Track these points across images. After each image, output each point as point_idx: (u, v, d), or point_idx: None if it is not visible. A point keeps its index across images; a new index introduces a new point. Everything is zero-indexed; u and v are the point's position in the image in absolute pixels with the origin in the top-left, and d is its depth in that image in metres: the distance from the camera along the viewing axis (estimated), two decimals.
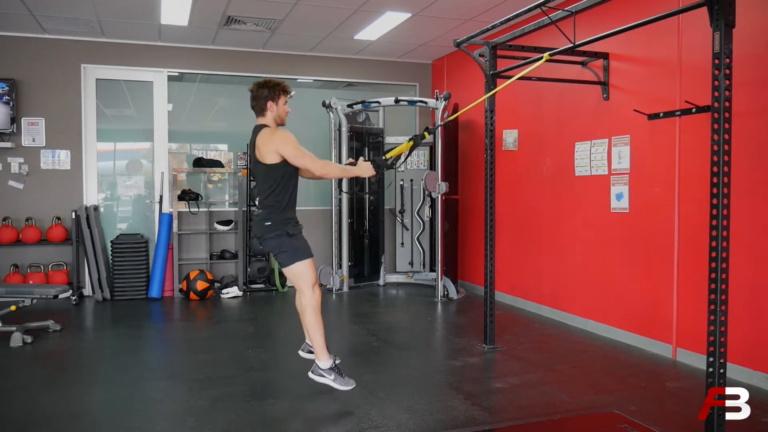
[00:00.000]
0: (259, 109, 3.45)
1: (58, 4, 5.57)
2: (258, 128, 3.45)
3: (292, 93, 3.59)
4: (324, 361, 3.41)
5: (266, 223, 3.41)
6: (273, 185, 3.39)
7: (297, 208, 3.56)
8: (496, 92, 4.22)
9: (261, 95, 3.42)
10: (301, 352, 3.76)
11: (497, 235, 4.90)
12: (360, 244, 7.28)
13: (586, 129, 5.12)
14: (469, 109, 6.82)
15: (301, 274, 3.42)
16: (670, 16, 3.21)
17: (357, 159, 3.74)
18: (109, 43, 6.79)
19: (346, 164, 3.71)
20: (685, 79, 4.20)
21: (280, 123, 3.52)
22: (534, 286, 5.92)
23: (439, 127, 6.45)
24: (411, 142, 3.74)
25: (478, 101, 4.12)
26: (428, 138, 4.42)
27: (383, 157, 3.71)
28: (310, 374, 3.45)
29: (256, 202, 3.46)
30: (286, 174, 3.41)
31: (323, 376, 3.39)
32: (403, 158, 3.82)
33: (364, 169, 3.53)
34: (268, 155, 3.35)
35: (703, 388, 2.90)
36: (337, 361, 3.52)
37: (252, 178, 3.42)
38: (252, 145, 3.45)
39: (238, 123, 7.52)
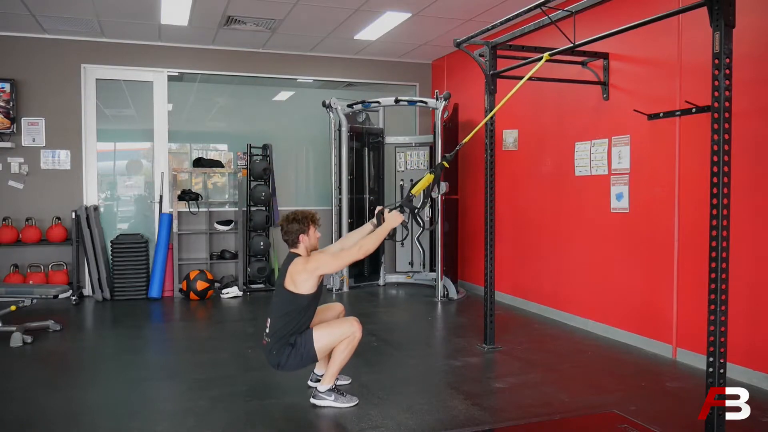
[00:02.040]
0: (291, 242, 3.42)
1: (58, 4, 5.57)
2: (291, 256, 3.41)
3: (321, 221, 3.54)
4: (326, 384, 3.40)
5: (273, 352, 3.35)
6: (289, 315, 3.32)
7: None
8: (501, 105, 4.20)
9: (292, 230, 3.39)
10: (309, 382, 3.68)
11: (497, 235, 4.90)
12: None
13: (586, 129, 5.13)
14: (470, 109, 6.85)
15: (331, 340, 3.34)
16: (670, 16, 3.21)
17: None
18: (109, 43, 6.79)
19: (372, 222, 3.60)
20: (685, 79, 4.20)
21: (313, 249, 3.48)
22: (534, 286, 5.92)
23: (442, 128, 6.45)
24: (431, 175, 3.66)
25: (485, 121, 4.11)
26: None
27: (409, 196, 3.64)
28: (312, 400, 3.40)
29: (267, 330, 3.39)
30: (309, 306, 3.37)
31: (324, 399, 3.37)
32: (428, 195, 3.74)
33: (393, 220, 3.47)
34: (302, 284, 3.29)
35: (703, 388, 2.90)
36: (339, 383, 3.51)
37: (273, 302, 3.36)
38: (283, 272, 3.39)
39: (238, 123, 7.53)
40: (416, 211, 3.68)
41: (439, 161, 3.79)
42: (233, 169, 7.31)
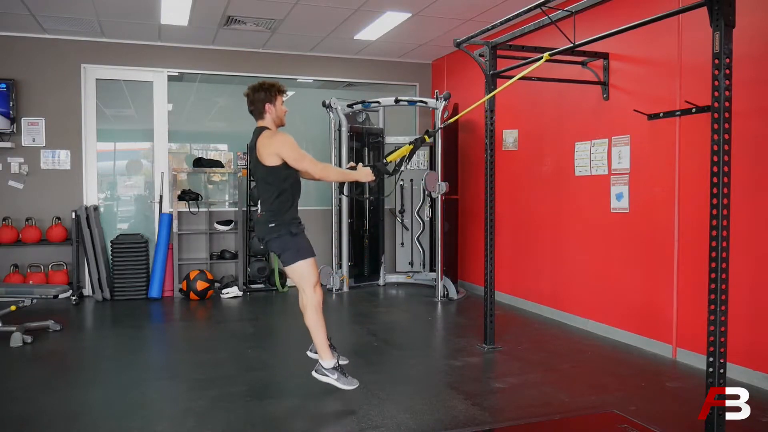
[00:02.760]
0: (257, 112, 3.46)
1: (58, 4, 5.57)
2: (258, 130, 3.45)
3: (288, 92, 3.59)
4: (327, 360, 3.41)
5: (270, 225, 3.41)
6: (275, 187, 3.39)
7: (298, 208, 3.56)
8: (496, 93, 4.21)
9: (258, 98, 3.43)
10: (308, 353, 3.77)
11: (497, 235, 4.90)
12: (360, 244, 7.28)
13: (586, 129, 5.12)
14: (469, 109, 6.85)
15: (303, 273, 3.43)
16: (670, 16, 3.21)
17: (357, 160, 3.74)
18: (109, 43, 6.79)
19: (346, 168, 3.70)
20: (685, 79, 4.20)
21: (280, 124, 3.53)
22: (534, 286, 5.92)
23: (440, 130, 6.45)
24: (411, 146, 3.73)
25: (478, 103, 4.12)
26: (428, 140, 4.41)
27: (383, 162, 3.70)
28: (313, 373, 3.45)
29: (258, 204, 3.45)
30: (289, 176, 3.42)
31: (326, 375, 3.40)
32: (404, 163, 3.79)
33: (364, 174, 3.54)
34: (269, 158, 3.35)
35: (703, 388, 2.90)
36: (341, 362, 3.52)
37: (252, 179, 3.42)
38: (252, 148, 3.46)
39: (238, 123, 7.52)
40: (387, 175, 3.73)
41: (420, 135, 3.83)
42: (233, 169, 7.31)
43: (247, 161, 7.04)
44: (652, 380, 3.84)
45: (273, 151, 3.34)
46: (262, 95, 3.41)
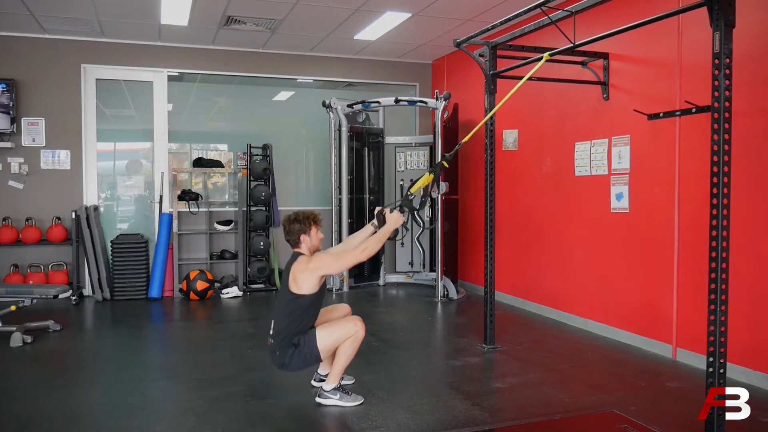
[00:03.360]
0: (293, 242, 3.45)
1: (58, 4, 5.57)
2: (294, 256, 3.44)
3: (323, 222, 3.56)
4: (331, 383, 3.41)
5: (276, 353, 3.36)
6: (293, 315, 3.34)
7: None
8: (502, 104, 4.20)
9: (293, 230, 3.42)
10: (313, 382, 3.69)
11: (497, 235, 4.90)
12: None
13: (586, 129, 5.13)
14: (469, 109, 6.85)
15: (333, 339, 3.34)
16: (670, 16, 3.21)
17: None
18: (109, 43, 6.79)
19: (375, 215, 3.62)
20: (685, 79, 4.20)
21: (315, 250, 3.50)
22: (534, 286, 5.92)
23: (442, 128, 6.45)
24: (431, 175, 3.68)
25: (487, 117, 4.12)
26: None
27: (407, 195, 3.67)
28: (317, 399, 3.41)
29: (271, 331, 3.41)
30: (312, 305, 3.38)
31: (329, 398, 3.38)
32: (429, 193, 3.75)
33: (394, 221, 3.48)
34: (304, 283, 3.31)
35: (703, 388, 2.90)
36: (345, 382, 3.52)
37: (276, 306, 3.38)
38: (286, 272, 3.41)
39: (238, 123, 7.53)
40: (416, 211, 3.69)
41: (439, 160, 3.80)
42: (233, 169, 7.31)
43: (248, 162, 7.05)
44: (652, 380, 3.84)
45: (312, 272, 3.30)
46: (297, 227, 3.41)
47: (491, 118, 4.48)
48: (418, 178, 3.79)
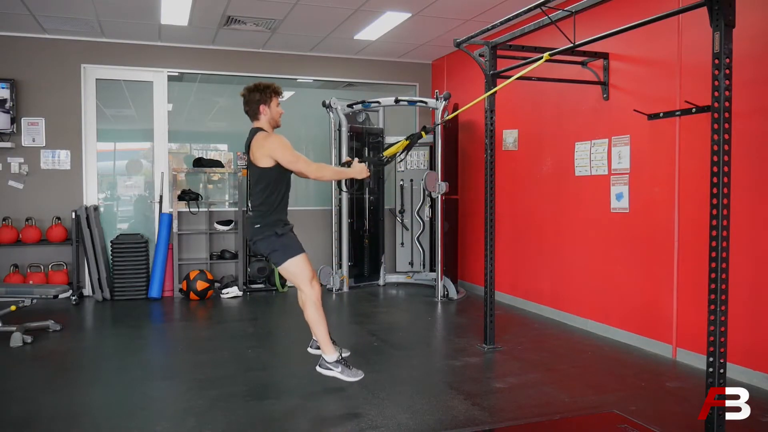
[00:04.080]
0: (252, 113, 3.47)
1: (58, 4, 5.57)
2: (253, 131, 3.47)
3: (284, 95, 3.59)
4: (330, 354, 3.43)
5: (256, 226, 3.43)
6: (264, 188, 3.41)
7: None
8: (495, 91, 4.22)
9: (253, 99, 3.44)
10: (309, 349, 3.78)
11: (497, 235, 4.90)
12: (360, 244, 7.28)
13: (586, 129, 5.12)
14: (469, 109, 6.85)
15: (296, 271, 3.44)
16: (670, 16, 3.21)
17: (358, 158, 3.75)
18: (109, 43, 6.79)
19: (342, 163, 3.72)
20: (685, 79, 4.20)
21: (275, 125, 3.54)
22: (534, 286, 5.92)
23: (438, 126, 6.45)
24: (407, 141, 3.76)
25: (478, 100, 4.12)
26: (426, 137, 4.43)
27: (379, 156, 3.73)
28: (317, 368, 3.46)
29: (248, 205, 3.49)
30: (279, 177, 3.43)
31: (330, 369, 3.41)
32: (399, 157, 3.83)
33: (358, 170, 3.55)
34: (262, 159, 3.37)
35: (703, 388, 2.90)
36: (344, 354, 3.53)
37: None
38: (247, 148, 3.47)
39: (238, 123, 7.48)
40: (380, 165, 3.82)
41: (419, 130, 3.86)
42: (233, 169, 7.31)
43: (246, 161, 7.05)
44: (652, 380, 3.84)
45: (266, 153, 3.36)
46: (257, 96, 3.42)
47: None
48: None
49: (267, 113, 3.45)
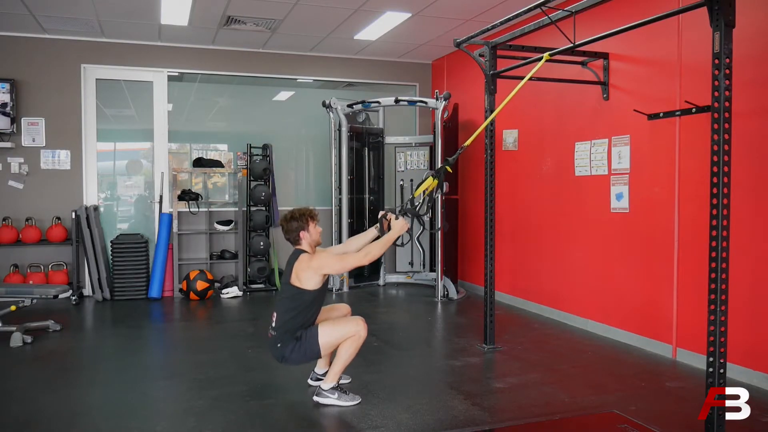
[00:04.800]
0: (293, 240, 3.48)
1: (58, 4, 5.57)
2: (297, 253, 3.46)
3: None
4: (329, 382, 3.42)
5: (278, 345, 3.39)
6: (296, 310, 3.38)
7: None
8: (502, 107, 4.20)
9: (291, 228, 3.45)
10: (310, 381, 3.71)
11: (497, 235, 4.90)
12: None
13: (586, 129, 5.12)
14: (469, 109, 6.85)
15: (336, 336, 3.37)
16: (670, 16, 3.21)
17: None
18: (109, 43, 6.79)
19: (379, 219, 3.64)
20: (685, 79, 4.20)
21: (316, 245, 3.53)
22: (534, 286, 5.92)
23: (442, 128, 6.45)
24: (435, 180, 3.70)
25: (492, 116, 4.12)
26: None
27: (410, 200, 3.69)
28: (314, 398, 3.42)
29: (273, 324, 3.45)
30: (315, 301, 3.42)
31: (327, 397, 3.39)
32: (432, 197, 3.79)
33: (399, 228, 3.49)
34: (308, 280, 3.36)
35: (703, 388, 2.90)
36: (343, 381, 3.53)
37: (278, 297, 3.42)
38: (289, 269, 3.44)
39: (238, 123, 7.53)
40: (421, 217, 3.74)
41: (441, 165, 3.83)
42: (233, 169, 7.31)
43: (247, 162, 7.05)
44: (652, 380, 3.84)
45: (315, 271, 3.35)
46: (294, 225, 3.44)
47: (491, 113, 4.47)
48: (421, 181, 3.81)
49: (307, 238, 3.46)
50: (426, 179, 3.76)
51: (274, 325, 3.43)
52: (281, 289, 3.54)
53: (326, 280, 3.47)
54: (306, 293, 3.36)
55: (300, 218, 3.45)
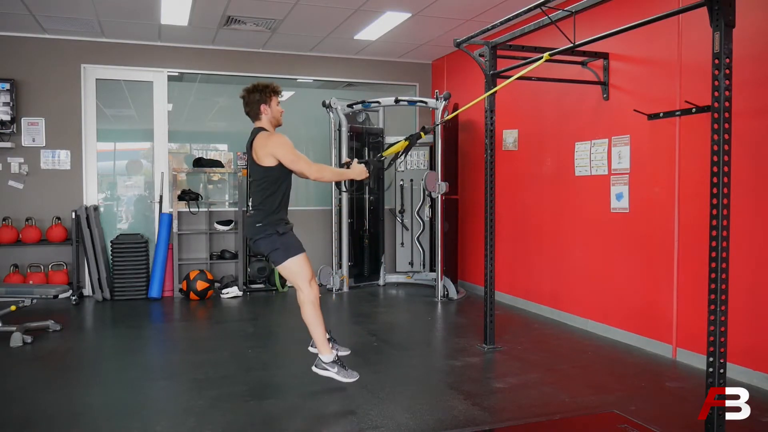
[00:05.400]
0: (253, 113, 3.50)
1: (58, 4, 5.57)
2: (255, 131, 3.50)
3: (283, 94, 3.62)
4: (326, 354, 3.44)
5: (257, 225, 3.44)
6: (266, 187, 3.43)
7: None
8: (495, 91, 4.22)
9: (253, 99, 3.47)
10: (309, 348, 3.79)
11: (497, 235, 4.90)
12: (360, 244, 7.28)
13: (586, 129, 5.12)
14: (469, 109, 6.85)
15: (295, 271, 3.46)
16: (670, 16, 3.21)
17: (358, 158, 3.77)
18: (109, 43, 6.79)
19: (342, 164, 3.74)
20: (685, 79, 4.20)
21: (276, 124, 3.57)
22: (534, 286, 5.92)
23: (438, 126, 6.45)
24: (406, 141, 3.78)
25: (477, 100, 4.12)
26: (425, 137, 4.44)
27: (379, 157, 3.75)
28: (313, 368, 3.48)
29: (248, 204, 3.51)
30: (280, 177, 3.45)
31: (326, 369, 3.42)
32: (398, 158, 3.86)
33: (357, 171, 3.58)
34: (265, 158, 3.39)
35: (703, 388, 2.90)
36: (342, 353, 3.54)
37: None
38: (249, 147, 3.48)
39: (238, 123, 7.49)
40: (381, 170, 3.85)
41: (418, 131, 3.89)
42: (233, 169, 7.31)
43: (247, 161, 7.05)
44: (652, 380, 3.84)
45: (269, 152, 3.38)
46: (256, 96, 3.45)
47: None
48: (393, 143, 3.92)
49: (268, 112, 3.48)
50: (398, 142, 3.83)
51: (251, 204, 3.47)
52: (250, 171, 3.57)
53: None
54: (271, 170, 3.38)
55: (263, 90, 3.46)
